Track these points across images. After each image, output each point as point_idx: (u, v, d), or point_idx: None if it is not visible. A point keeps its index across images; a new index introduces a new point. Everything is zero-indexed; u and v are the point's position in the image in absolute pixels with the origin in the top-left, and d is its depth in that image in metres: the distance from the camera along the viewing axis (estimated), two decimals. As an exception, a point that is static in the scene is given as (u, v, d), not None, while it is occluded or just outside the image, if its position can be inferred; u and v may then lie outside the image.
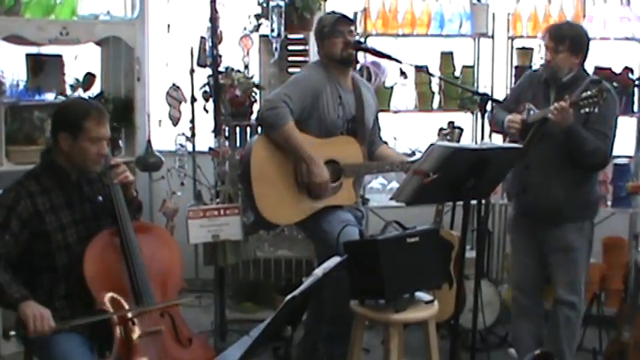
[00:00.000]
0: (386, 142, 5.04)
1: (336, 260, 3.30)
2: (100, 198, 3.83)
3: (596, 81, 4.38)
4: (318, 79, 4.61)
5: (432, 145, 3.73)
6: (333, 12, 4.73)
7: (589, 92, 4.26)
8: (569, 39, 4.50)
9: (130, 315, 3.52)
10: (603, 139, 4.47)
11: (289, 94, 4.46)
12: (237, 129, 6.01)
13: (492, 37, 6.04)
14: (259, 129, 4.54)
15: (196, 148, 5.81)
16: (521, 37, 6.03)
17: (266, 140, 4.48)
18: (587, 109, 4.28)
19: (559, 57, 4.51)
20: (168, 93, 5.77)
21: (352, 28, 4.68)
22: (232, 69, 5.77)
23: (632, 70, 5.85)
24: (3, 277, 3.43)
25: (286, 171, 4.50)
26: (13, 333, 3.47)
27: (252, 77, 5.85)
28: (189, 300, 4.07)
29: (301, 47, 6.06)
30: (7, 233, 3.53)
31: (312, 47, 5.87)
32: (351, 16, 4.80)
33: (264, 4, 5.87)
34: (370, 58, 5.79)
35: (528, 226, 4.79)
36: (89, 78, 5.88)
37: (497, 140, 4.83)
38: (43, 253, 3.62)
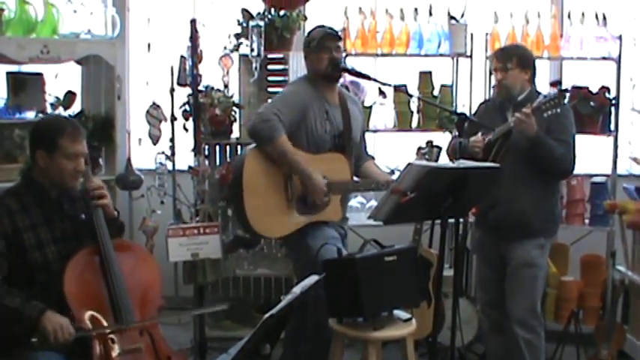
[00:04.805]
0: (372, 157, 5.04)
1: (314, 278, 3.32)
2: (83, 216, 3.83)
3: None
4: (305, 94, 4.62)
5: (409, 164, 3.76)
6: (322, 26, 4.71)
7: (549, 96, 4.49)
8: (516, 56, 4.73)
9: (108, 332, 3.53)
10: (566, 146, 4.63)
11: (280, 107, 4.47)
12: (217, 148, 6.03)
13: (470, 56, 6.07)
14: (252, 144, 4.53)
15: (176, 167, 5.80)
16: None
17: (259, 152, 4.49)
18: (549, 112, 4.46)
19: (509, 74, 4.70)
20: (148, 112, 5.78)
21: (340, 44, 4.70)
22: (212, 88, 5.77)
23: (608, 90, 5.89)
24: (14, 301, 3.45)
25: (277, 184, 4.51)
26: (34, 340, 3.39)
27: (231, 96, 5.86)
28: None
29: (281, 67, 6.07)
30: None
31: (292, 67, 5.91)
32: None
33: (244, 24, 5.88)
34: (349, 77, 5.80)
35: (493, 243, 4.86)
36: (70, 96, 5.88)
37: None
38: (21, 269, 3.61)
